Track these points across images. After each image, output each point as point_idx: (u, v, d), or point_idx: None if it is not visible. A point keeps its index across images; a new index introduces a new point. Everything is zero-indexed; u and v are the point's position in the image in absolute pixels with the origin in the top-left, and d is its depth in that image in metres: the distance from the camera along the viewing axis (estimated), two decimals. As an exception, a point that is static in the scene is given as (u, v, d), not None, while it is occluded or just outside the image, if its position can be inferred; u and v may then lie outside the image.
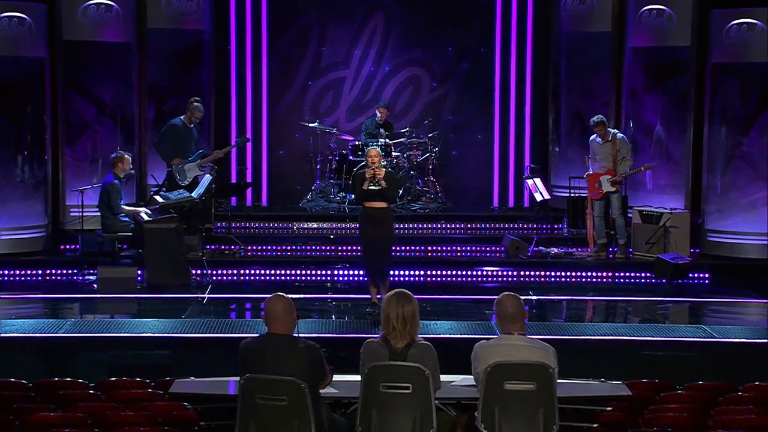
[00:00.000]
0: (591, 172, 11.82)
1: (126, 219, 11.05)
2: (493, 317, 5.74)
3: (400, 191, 12.69)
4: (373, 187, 9.10)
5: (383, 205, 9.23)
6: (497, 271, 11.65)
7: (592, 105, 13.14)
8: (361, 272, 11.13)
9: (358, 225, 9.65)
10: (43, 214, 11.98)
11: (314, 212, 13.17)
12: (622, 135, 11.85)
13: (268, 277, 11.46)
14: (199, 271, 11.14)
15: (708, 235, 12.10)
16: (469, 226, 12.85)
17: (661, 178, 12.60)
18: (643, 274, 11.57)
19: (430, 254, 12.19)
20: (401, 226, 12.38)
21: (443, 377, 5.71)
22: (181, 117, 11.80)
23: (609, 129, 11.77)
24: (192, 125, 11.80)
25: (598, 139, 11.72)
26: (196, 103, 11.74)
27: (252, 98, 14.28)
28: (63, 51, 12.32)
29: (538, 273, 11.58)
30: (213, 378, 6.45)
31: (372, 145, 11.79)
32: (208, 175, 11.56)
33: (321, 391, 5.60)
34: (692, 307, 10.56)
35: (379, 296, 9.23)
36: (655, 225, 11.88)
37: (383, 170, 9.19)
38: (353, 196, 12.60)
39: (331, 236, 12.42)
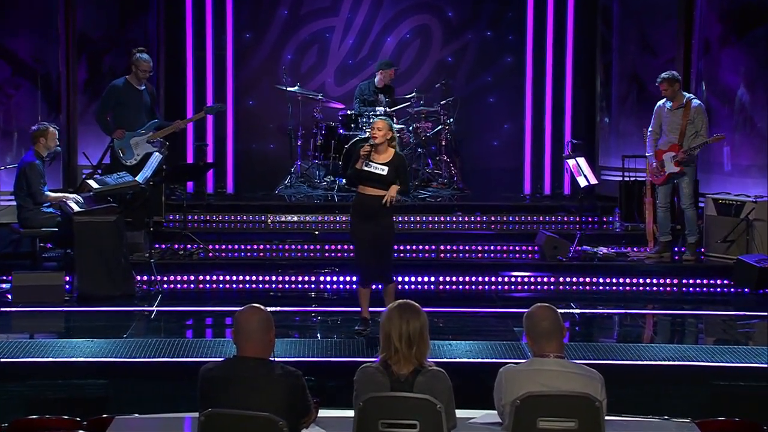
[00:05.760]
0: (650, 152, 11.76)
1: (50, 210, 11.08)
2: (524, 336, 5.75)
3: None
4: (371, 169, 9.05)
5: (382, 192, 9.19)
6: (529, 277, 11.70)
7: (654, 63, 13.19)
8: (355, 279, 11.16)
9: (349, 217, 9.65)
10: (-58, 204, 12.03)
11: (294, 201, 13.23)
12: (699, 102, 11.72)
13: (234, 285, 11.50)
14: (145, 278, 11.18)
15: (803, 230, 12.14)
16: (492, 219, 12.91)
17: (743, 157, 12.61)
18: (719, 282, 11.62)
19: (442, 255, 12.23)
20: (406, 219, 12.42)
21: (459, 412, 5.73)
22: (126, 76, 11.81)
23: (683, 93, 11.66)
24: (142, 86, 11.79)
25: (669, 104, 11.62)
26: (138, 54, 11.72)
27: (213, 55, 14.31)
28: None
29: (581, 280, 11.65)
30: (163, 414, 6.47)
31: (377, 116, 11.77)
32: (157, 153, 11.56)
33: (303, 430, 5.63)
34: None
35: (380, 309, 9.22)
36: (735, 218, 11.91)
37: (392, 150, 9.11)
38: (344, 179, 12.70)
39: (316, 232, 12.46)
